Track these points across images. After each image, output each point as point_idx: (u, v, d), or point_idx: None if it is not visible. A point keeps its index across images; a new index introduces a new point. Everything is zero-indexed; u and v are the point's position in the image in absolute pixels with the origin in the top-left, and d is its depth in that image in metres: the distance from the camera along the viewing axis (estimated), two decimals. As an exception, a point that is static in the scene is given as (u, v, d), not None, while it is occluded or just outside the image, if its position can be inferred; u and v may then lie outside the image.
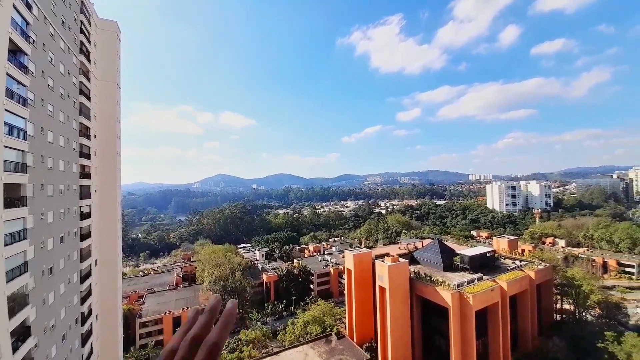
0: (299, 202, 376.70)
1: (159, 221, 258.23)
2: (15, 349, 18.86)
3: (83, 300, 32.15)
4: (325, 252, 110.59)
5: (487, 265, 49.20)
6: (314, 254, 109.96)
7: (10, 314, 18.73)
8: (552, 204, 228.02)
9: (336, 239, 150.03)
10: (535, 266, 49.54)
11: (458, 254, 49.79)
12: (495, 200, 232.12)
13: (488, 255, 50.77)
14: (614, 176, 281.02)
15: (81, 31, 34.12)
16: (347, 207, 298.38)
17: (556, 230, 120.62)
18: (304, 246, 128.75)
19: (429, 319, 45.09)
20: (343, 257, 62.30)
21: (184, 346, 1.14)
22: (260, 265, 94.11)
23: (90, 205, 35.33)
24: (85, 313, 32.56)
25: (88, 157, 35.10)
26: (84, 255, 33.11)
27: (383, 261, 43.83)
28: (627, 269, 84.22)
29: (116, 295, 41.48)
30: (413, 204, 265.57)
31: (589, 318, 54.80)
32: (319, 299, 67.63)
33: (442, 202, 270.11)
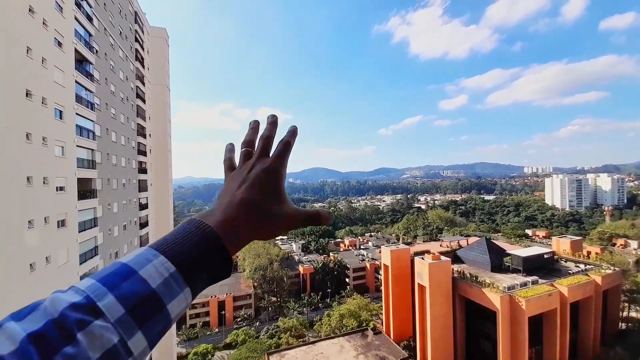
0: (335, 196, 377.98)
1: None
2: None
3: (142, 282, 36.07)
4: (361, 247, 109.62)
5: (544, 267, 44.34)
6: (350, 248, 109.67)
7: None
8: (625, 200, 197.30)
9: (372, 233, 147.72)
10: (603, 270, 43.37)
11: (509, 254, 45.60)
12: (556, 195, 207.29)
13: (546, 256, 45.67)
14: None
15: (136, 39, 37.51)
16: (384, 201, 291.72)
17: (629, 230, 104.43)
18: (339, 240, 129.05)
19: (473, 321, 42.27)
20: (379, 252, 61.06)
21: (264, 136, 1.09)
22: (296, 257, 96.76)
23: (147, 198, 39.24)
24: (145, 293, 36.51)
25: (144, 154, 38.87)
26: (143, 242, 37.00)
27: (423, 258, 41.96)
28: None
29: (170, 279, 45.90)
30: (457, 199, 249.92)
31: None
32: (354, 293, 67.49)
33: (491, 197, 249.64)
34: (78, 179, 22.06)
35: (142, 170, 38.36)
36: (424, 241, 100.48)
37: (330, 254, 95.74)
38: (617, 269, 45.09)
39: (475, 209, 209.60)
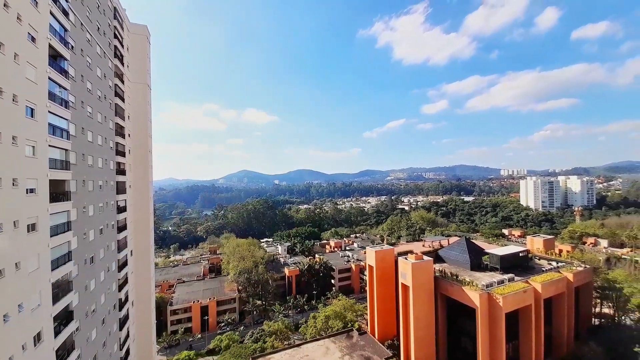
0: (320, 198, 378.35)
1: (187, 215, 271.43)
2: (57, 332, 20.64)
3: (120, 288, 34.62)
4: (347, 248, 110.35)
5: (519, 265, 46.41)
6: (335, 249, 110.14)
7: (55, 300, 20.52)
8: (594, 201, 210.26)
9: (358, 235, 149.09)
10: (574, 268, 45.98)
11: (487, 253, 47.39)
12: (530, 196, 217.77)
13: (521, 255, 47.81)
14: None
15: (115, 36, 36.15)
16: (369, 203, 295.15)
17: (598, 229, 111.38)
18: (325, 242, 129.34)
19: (454, 319, 43.55)
20: (364, 253, 61.72)
21: None
22: (282, 260, 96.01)
23: (125, 200, 37.75)
24: (123, 299, 35.04)
25: (123, 154, 37.41)
26: (121, 246, 35.55)
27: (406, 258, 42.83)
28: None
29: (150, 283, 44.30)
30: (439, 200, 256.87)
31: (629, 322, 51.27)
32: (340, 295, 67.79)
33: (470, 198, 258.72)
34: (50, 180, 20.90)
35: (121, 171, 36.87)
36: (407, 241, 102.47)
37: (316, 255, 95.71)
38: (587, 266, 47.92)
39: (455, 209, 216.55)
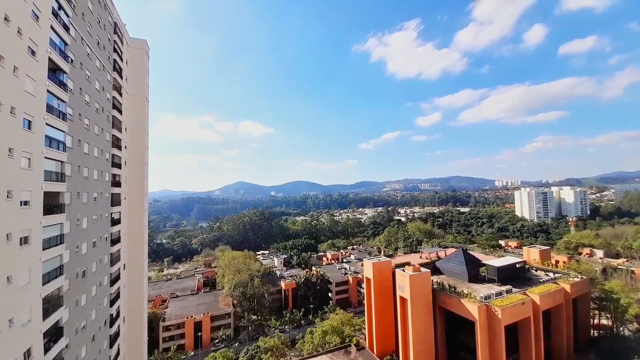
0: (317, 209, 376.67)
1: (182, 227, 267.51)
2: (47, 349, 19.91)
3: (112, 303, 33.64)
4: (344, 260, 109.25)
5: (516, 277, 46.35)
6: (332, 261, 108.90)
7: (45, 315, 19.88)
8: (588, 212, 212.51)
9: (355, 246, 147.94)
10: (571, 279, 46.00)
11: (484, 265, 47.34)
12: (524, 207, 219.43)
13: (518, 266, 47.86)
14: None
15: (114, 50, 36.72)
16: (365, 214, 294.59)
17: (593, 239, 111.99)
18: (322, 254, 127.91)
19: (454, 332, 42.92)
20: (362, 265, 61.17)
21: None
22: (278, 272, 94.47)
23: (120, 212, 37.27)
24: (114, 315, 34.00)
25: (119, 166, 37.24)
26: (114, 259, 34.82)
27: (404, 270, 42.54)
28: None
29: (142, 298, 43.11)
30: (435, 211, 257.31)
31: (627, 333, 50.99)
32: (337, 308, 66.54)
33: (466, 209, 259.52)
34: (45, 192, 20.70)
35: (116, 183, 36.58)
36: (404, 253, 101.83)
37: (313, 268, 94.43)
38: (584, 277, 47.97)
39: (452, 220, 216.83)
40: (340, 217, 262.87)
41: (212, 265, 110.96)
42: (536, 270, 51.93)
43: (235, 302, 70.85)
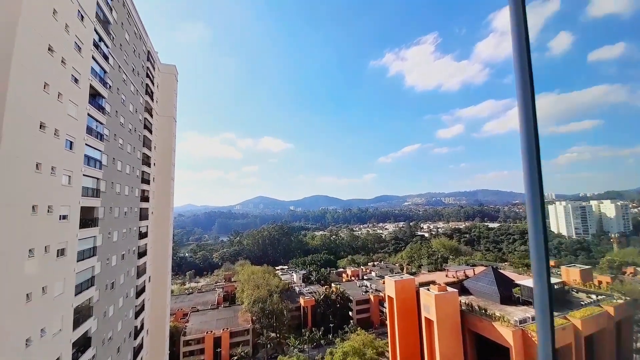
0: (336, 224, 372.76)
1: (204, 241, 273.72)
2: (75, 359, 20.65)
3: (137, 315, 34.60)
4: (364, 277, 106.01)
5: (555, 299, 42.56)
6: (352, 278, 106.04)
7: (75, 325, 20.79)
8: (630, 227, 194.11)
9: (375, 263, 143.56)
10: (615, 301, 41.54)
11: (518, 285, 43.98)
12: (561, 223, 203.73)
13: (556, 287, 44.03)
14: None
15: (147, 75, 39.80)
16: (386, 229, 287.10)
17: (638, 257, 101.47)
18: (341, 270, 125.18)
19: (485, 358, 39.64)
20: (383, 283, 58.95)
21: None
22: (297, 289, 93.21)
23: (147, 226, 39.00)
24: (138, 327, 34.85)
25: (148, 182, 39.35)
26: (140, 272, 36.12)
27: (429, 289, 40.46)
28: None
29: (165, 311, 44.03)
30: (461, 226, 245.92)
31: None
32: (358, 328, 64.03)
33: (495, 224, 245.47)
34: (81, 207, 22.22)
35: (145, 198, 38.57)
36: (428, 271, 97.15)
37: (332, 284, 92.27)
38: (628, 298, 43.25)
39: (480, 237, 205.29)
40: (360, 232, 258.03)
41: (232, 279, 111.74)
42: (577, 292, 47.47)
43: (254, 318, 70.33)
